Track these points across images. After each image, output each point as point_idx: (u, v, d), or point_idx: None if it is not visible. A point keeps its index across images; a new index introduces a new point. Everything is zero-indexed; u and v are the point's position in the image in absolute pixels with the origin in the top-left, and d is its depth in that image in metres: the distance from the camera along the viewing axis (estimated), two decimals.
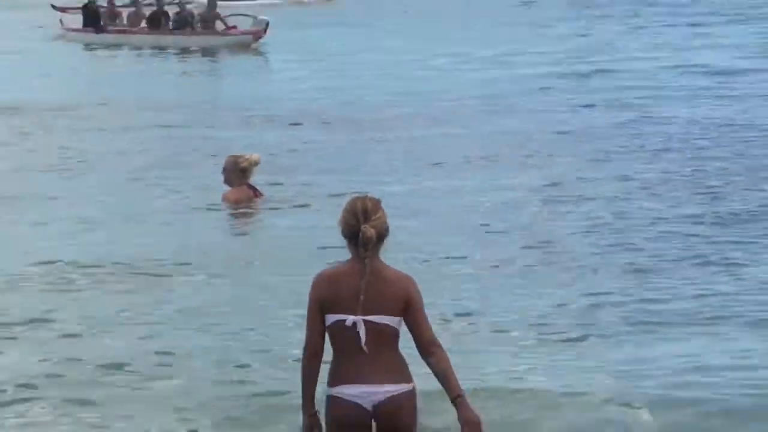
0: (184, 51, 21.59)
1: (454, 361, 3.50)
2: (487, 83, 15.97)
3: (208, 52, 21.08)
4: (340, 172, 10.00)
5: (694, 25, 23.42)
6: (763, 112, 12.76)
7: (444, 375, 3.44)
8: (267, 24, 20.70)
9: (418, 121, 12.89)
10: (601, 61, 18.09)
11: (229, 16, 22.06)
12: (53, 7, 29.57)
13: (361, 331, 3.36)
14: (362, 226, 3.36)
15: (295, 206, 8.29)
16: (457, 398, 3.49)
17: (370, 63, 18.71)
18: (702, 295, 6.25)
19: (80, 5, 26.67)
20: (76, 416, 4.65)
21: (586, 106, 13.97)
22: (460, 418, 3.48)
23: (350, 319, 3.36)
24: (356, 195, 3.58)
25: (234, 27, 21.51)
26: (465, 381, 3.59)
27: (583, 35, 22.24)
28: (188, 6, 23.09)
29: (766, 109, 13.02)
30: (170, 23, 22.11)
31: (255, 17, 21.54)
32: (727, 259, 7.02)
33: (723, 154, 10.40)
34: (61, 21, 25.28)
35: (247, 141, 11.17)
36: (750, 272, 6.75)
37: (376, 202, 3.47)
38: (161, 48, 21.77)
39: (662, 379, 4.91)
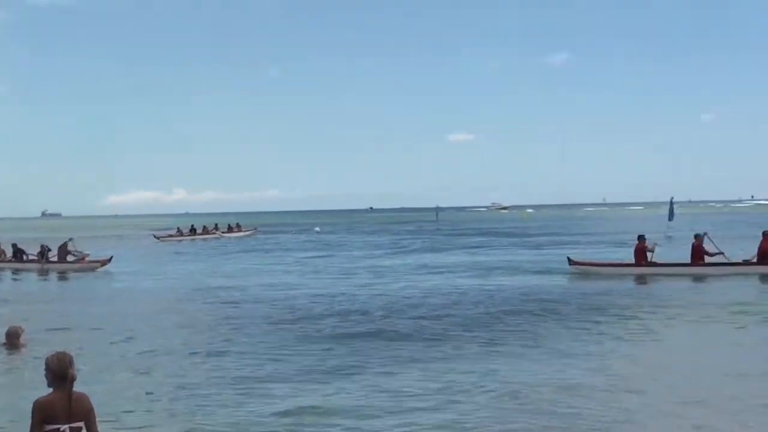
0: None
1: None
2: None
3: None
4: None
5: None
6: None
7: None
8: None
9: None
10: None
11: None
12: (155, 236, 51.74)
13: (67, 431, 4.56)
14: (69, 370, 4.57)
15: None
16: None
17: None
18: None
19: (176, 233, 51.24)
20: None
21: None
22: None
23: (62, 427, 4.58)
24: (57, 352, 4.69)
25: None
26: None
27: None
28: None
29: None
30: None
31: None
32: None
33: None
34: (155, 235, 45.16)
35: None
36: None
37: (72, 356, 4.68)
38: None
39: None
